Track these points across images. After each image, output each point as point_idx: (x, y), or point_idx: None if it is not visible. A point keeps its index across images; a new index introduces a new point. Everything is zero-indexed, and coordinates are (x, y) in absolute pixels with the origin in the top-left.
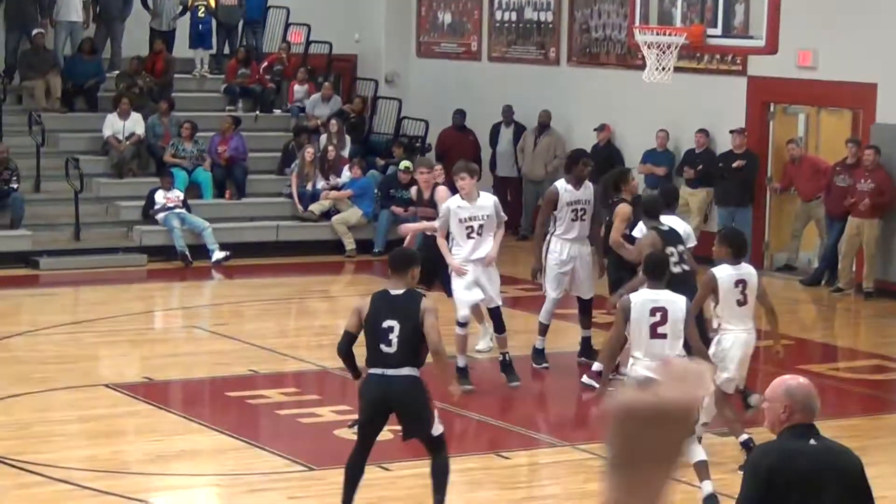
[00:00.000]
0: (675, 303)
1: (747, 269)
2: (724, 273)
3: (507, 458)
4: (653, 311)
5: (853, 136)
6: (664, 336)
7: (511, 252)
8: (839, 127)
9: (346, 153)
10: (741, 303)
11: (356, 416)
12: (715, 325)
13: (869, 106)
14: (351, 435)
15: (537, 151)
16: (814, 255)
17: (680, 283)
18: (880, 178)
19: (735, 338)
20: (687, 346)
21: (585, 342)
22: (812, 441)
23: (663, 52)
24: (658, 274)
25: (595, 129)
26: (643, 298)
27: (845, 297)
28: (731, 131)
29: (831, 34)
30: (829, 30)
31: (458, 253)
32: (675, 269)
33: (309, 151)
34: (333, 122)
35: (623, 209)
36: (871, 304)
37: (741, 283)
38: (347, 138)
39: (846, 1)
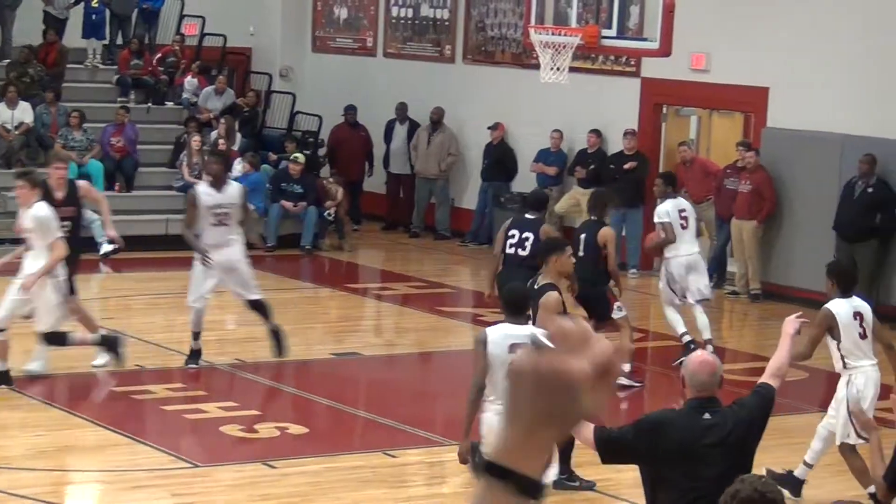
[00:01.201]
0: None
1: (860, 302)
2: (840, 308)
3: (394, 456)
4: (512, 348)
5: (744, 140)
6: None
7: (405, 250)
8: (731, 130)
9: (236, 147)
10: (862, 336)
11: None
12: (839, 367)
13: (760, 109)
14: (238, 431)
15: (431, 149)
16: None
17: (516, 266)
18: (760, 180)
19: (867, 375)
20: None
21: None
22: (706, 416)
23: (558, 52)
24: (517, 308)
25: (489, 128)
26: (502, 333)
27: (738, 300)
28: (624, 133)
29: (724, 38)
30: (723, 33)
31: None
32: (510, 251)
33: (196, 140)
34: (223, 120)
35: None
36: (758, 306)
37: (858, 315)
38: (238, 134)
39: (740, 5)
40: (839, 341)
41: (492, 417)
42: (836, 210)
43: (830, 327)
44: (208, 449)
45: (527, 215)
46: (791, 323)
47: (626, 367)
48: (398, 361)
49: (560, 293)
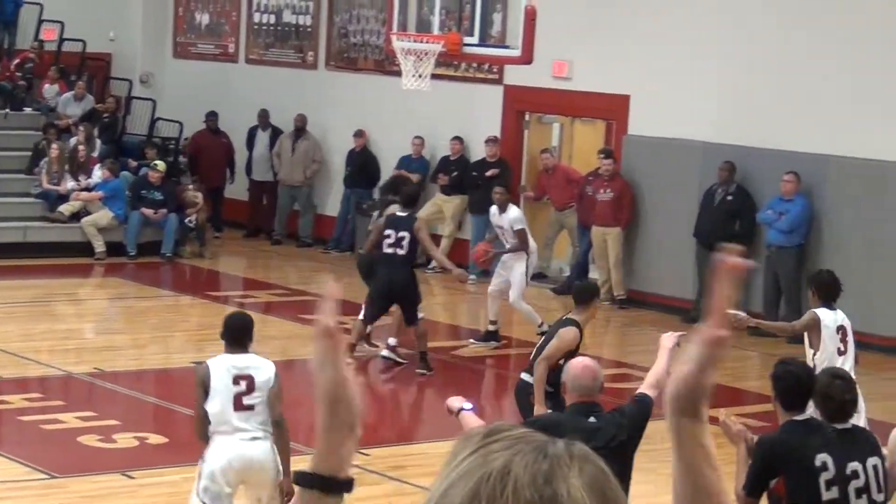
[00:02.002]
0: (261, 368)
1: (844, 317)
2: (826, 317)
3: None
4: (236, 380)
5: (605, 147)
6: (251, 408)
7: (267, 257)
8: (593, 137)
9: (95, 154)
10: (841, 351)
11: None
12: None
13: (621, 117)
14: (96, 442)
15: (294, 156)
16: (566, 263)
17: (388, 264)
18: (619, 188)
19: None
20: None
21: None
22: (591, 419)
23: (420, 60)
24: (238, 338)
25: (354, 135)
26: (226, 364)
27: (600, 307)
28: (487, 140)
29: (586, 46)
30: (585, 42)
31: None
32: (389, 251)
33: (54, 147)
34: (82, 126)
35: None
36: (621, 312)
37: (841, 329)
38: (97, 140)
39: (601, 14)
40: (816, 350)
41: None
42: (697, 217)
43: (811, 332)
44: (65, 459)
45: (398, 213)
46: (669, 338)
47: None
48: None
49: (581, 334)
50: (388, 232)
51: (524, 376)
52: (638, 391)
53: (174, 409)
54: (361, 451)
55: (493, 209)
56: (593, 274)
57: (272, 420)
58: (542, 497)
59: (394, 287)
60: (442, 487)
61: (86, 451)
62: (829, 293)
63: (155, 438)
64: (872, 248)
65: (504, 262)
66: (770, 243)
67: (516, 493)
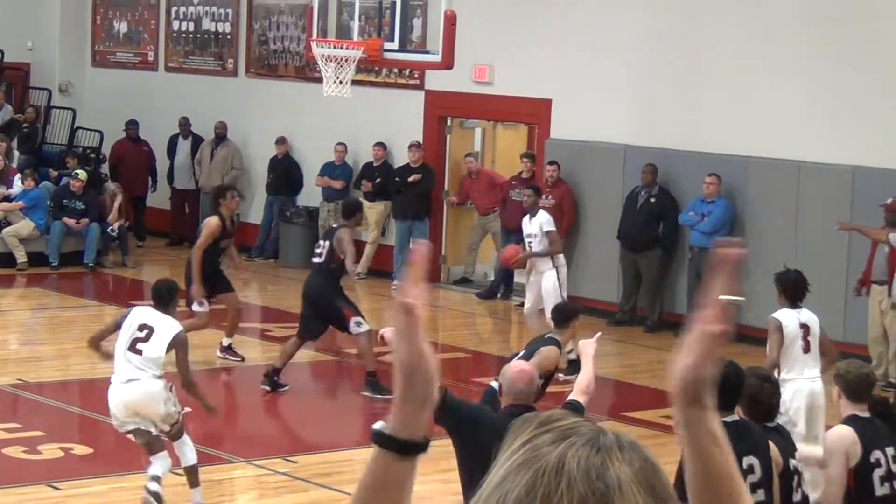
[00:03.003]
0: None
1: (809, 315)
2: (787, 318)
3: (180, 475)
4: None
5: (528, 151)
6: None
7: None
8: (515, 141)
9: (14, 164)
10: (805, 349)
11: None
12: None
13: (544, 121)
14: (21, 453)
15: (214, 163)
16: (490, 268)
17: (314, 272)
18: (562, 194)
19: (796, 388)
20: None
21: None
22: None
23: (341, 66)
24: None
25: (276, 142)
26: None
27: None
28: (409, 146)
29: (507, 50)
30: (506, 46)
31: None
32: (315, 259)
33: None
34: None
35: (211, 221)
36: None
37: (804, 328)
38: (16, 151)
39: (522, 18)
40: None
41: None
42: (620, 220)
43: (780, 331)
44: None
45: (333, 224)
46: (589, 345)
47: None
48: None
49: (560, 354)
50: (318, 242)
51: (494, 384)
52: (568, 398)
53: (99, 420)
54: (288, 458)
55: (525, 218)
56: (519, 278)
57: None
58: (594, 492)
59: (306, 293)
60: (497, 478)
61: (11, 463)
62: (796, 293)
63: (80, 449)
64: (791, 247)
65: (531, 282)
66: (692, 245)
67: (570, 489)
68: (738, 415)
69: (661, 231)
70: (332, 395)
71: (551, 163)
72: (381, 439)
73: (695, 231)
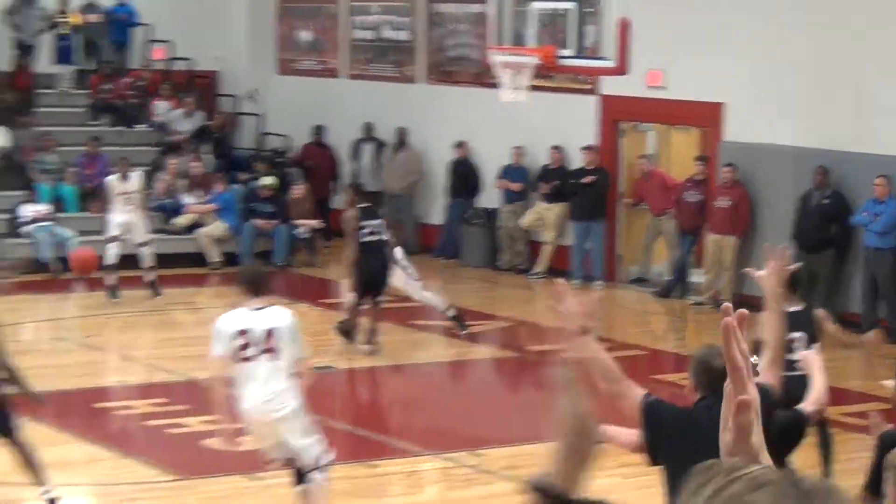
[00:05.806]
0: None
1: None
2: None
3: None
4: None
5: (702, 154)
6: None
7: None
8: (688, 144)
9: (208, 169)
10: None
11: None
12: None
13: (715, 124)
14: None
15: (395, 167)
16: (664, 267)
17: (375, 251)
18: (738, 196)
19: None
20: None
21: None
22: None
23: (517, 72)
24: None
25: (454, 146)
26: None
27: (702, 310)
28: (583, 148)
29: (680, 55)
30: (678, 51)
31: None
32: (373, 238)
33: (172, 163)
34: (194, 143)
35: None
36: (715, 314)
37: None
38: (210, 155)
39: (694, 24)
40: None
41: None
42: (795, 222)
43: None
44: (192, 462)
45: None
46: (813, 357)
47: None
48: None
49: None
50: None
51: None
52: (800, 406)
53: None
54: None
55: None
56: (695, 277)
57: None
58: None
59: None
60: None
61: (210, 454)
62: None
63: None
64: None
65: None
66: (867, 246)
67: None
68: None
69: (834, 232)
70: (514, 391)
71: (727, 165)
72: (541, 489)
73: (868, 231)
